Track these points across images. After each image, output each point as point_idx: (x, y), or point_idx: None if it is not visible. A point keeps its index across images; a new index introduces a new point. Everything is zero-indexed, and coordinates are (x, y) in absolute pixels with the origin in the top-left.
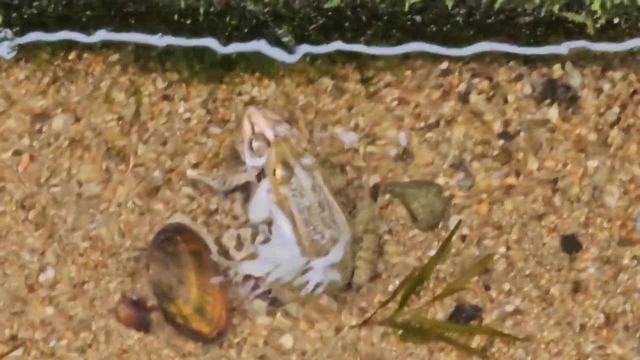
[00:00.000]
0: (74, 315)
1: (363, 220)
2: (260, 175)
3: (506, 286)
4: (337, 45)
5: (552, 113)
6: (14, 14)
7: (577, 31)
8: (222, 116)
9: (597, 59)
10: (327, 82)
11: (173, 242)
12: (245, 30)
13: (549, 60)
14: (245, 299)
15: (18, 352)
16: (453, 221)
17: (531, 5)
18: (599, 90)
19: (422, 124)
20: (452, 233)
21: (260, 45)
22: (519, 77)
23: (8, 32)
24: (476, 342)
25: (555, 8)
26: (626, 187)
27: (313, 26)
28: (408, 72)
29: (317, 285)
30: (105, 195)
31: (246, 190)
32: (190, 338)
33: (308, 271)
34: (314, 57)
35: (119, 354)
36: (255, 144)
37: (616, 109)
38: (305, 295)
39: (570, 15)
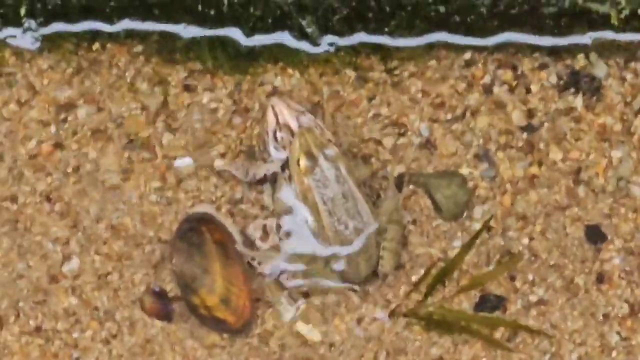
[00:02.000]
0: (98, 306)
1: (387, 210)
2: (285, 165)
3: (530, 276)
4: (361, 37)
5: (577, 103)
6: (38, 5)
7: (601, 22)
8: (246, 106)
9: (622, 49)
10: (351, 73)
11: (197, 232)
12: (270, 21)
13: (573, 50)
14: (270, 290)
15: (41, 340)
16: (477, 212)
17: None
18: (623, 80)
19: (445, 115)
20: (482, 229)
21: (283, 37)
22: (543, 67)
23: (32, 23)
24: (500, 332)
25: None
26: None
27: (337, 17)
28: (432, 62)
29: (340, 275)
30: (128, 185)
31: (272, 180)
32: (214, 329)
33: (332, 262)
34: (338, 48)
35: (142, 345)
36: (279, 135)
37: None
38: (330, 285)
39: (594, 6)
